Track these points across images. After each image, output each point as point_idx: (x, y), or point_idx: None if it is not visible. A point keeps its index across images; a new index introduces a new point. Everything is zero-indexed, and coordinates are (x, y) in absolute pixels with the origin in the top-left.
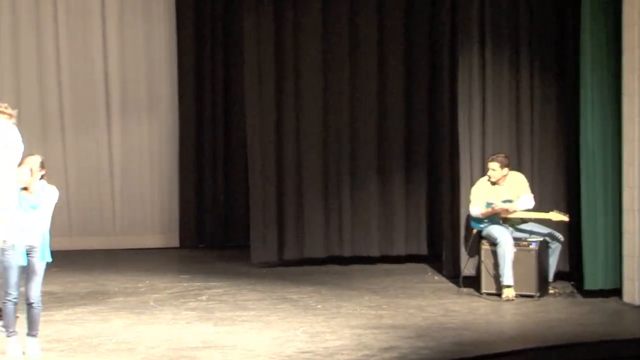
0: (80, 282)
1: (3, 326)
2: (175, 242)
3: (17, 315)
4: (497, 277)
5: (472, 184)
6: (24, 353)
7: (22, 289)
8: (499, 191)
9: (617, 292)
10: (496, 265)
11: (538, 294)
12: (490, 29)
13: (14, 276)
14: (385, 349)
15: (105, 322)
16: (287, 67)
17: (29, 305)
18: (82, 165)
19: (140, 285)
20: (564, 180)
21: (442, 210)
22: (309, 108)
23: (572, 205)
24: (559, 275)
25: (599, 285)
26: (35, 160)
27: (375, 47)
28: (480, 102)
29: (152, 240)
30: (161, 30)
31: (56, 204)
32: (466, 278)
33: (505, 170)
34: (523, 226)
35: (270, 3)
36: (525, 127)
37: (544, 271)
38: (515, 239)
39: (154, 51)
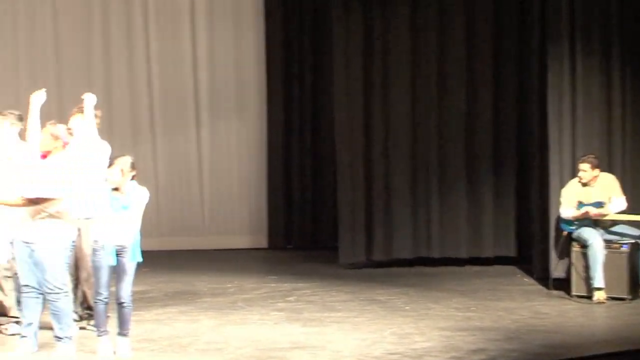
0: (170, 282)
1: (94, 326)
2: (263, 242)
3: (108, 314)
4: (587, 280)
5: (562, 185)
6: (114, 352)
7: (113, 289)
8: (590, 192)
9: None
10: (587, 267)
11: (630, 297)
12: (581, 33)
13: (104, 276)
14: (474, 351)
15: (194, 322)
16: (375, 71)
17: (120, 305)
18: (172, 166)
19: (228, 285)
20: None
21: (531, 211)
22: (397, 110)
23: None
24: None
25: None
26: (125, 160)
27: (463, 51)
28: (570, 104)
29: (241, 241)
30: (250, 33)
31: (146, 204)
32: (556, 280)
33: (596, 171)
34: (614, 228)
35: (359, 9)
36: (616, 128)
37: (635, 273)
38: (606, 241)
39: (242, 54)
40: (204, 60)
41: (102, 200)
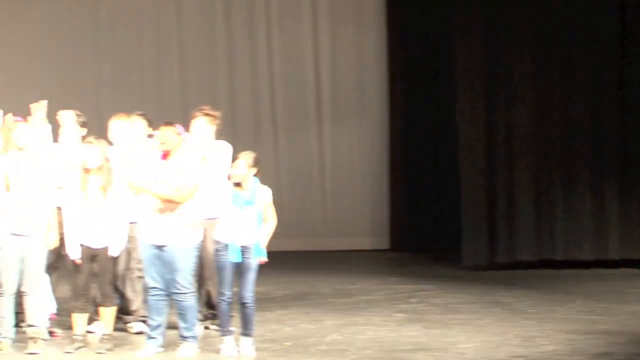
0: (293, 283)
1: (218, 325)
2: (385, 244)
3: (232, 314)
4: None
5: None
6: (238, 352)
7: (236, 289)
8: None
9: None
10: None
11: None
12: None
13: (227, 276)
14: (599, 355)
15: (317, 323)
16: (498, 74)
17: (243, 305)
18: (293, 167)
19: (351, 287)
20: None
21: None
22: (520, 114)
23: None
24: None
25: None
26: (250, 155)
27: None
28: None
29: (362, 243)
30: (371, 34)
31: (269, 205)
32: None
33: None
34: None
35: (481, 11)
36: None
37: None
38: None
39: (364, 56)
40: (326, 62)
41: (224, 199)
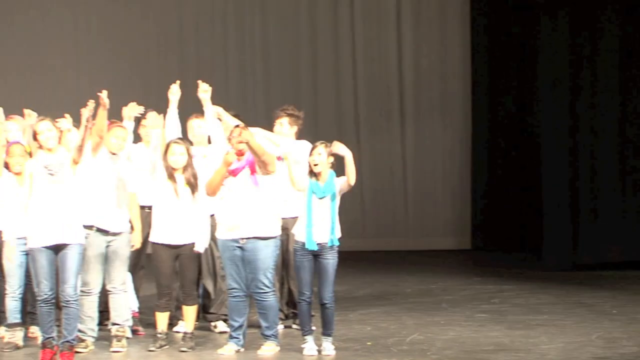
0: (375, 283)
1: (299, 325)
2: (467, 244)
3: (313, 314)
4: None
5: None
6: (319, 351)
7: (316, 288)
8: None
9: None
10: None
11: None
12: None
13: (306, 276)
14: None
15: (398, 322)
16: (583, 75)
17: (323, 305)
18: (376, 167)
19: (432, 286)
20: None
21: None
22: (604, 113)
23: None
24: None
25: None
26: (325, 146)
27: None
28: None
29: (444, 242)
30: (455, 34)
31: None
32: None
33: None
34: None
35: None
36: None
37: None
38: None
39: (447, 55)
40: (409, 61)
41: (303, 198)
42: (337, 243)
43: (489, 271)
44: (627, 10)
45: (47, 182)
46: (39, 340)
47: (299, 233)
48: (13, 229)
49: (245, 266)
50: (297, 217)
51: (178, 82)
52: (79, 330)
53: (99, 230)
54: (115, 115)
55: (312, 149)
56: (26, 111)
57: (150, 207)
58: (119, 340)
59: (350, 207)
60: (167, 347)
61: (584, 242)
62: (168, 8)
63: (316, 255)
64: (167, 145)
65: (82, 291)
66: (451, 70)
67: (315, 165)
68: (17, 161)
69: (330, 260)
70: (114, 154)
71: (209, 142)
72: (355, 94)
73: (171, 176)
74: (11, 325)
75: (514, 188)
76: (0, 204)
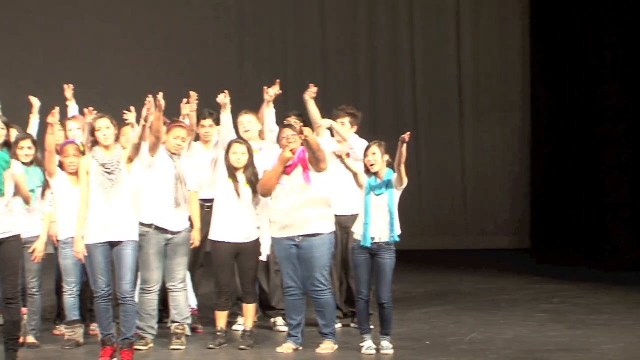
0: (433, 282)
1: (357, 323)
2: (526, 243)
3: (371, 312)
4: None
5: None
6: (377, 350)
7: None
8: None
9: None
10: None
11: None
12: None
13: (364, 274)
14: None
15: (457, 322)
16: None
17: (381, 305)
18: (435, 165)
19: (491, 286)
20: None
21: None
22: None
23: None
24: None
25: None
26: (383, 144)
27: None
28: None
29: (503, 241)
30: (515, 30)
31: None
32: None
33: None
34: None
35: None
36: None
37: None
38: None
39: (506, 53)
40: (468, 57)
41: (360, 197)
42: (397, 239)
43: (548, 270)
44: None
45: (104, 179)
46: (99, 337)
47: (357, 232)
48: (69, 228)
49: (301, 264)
50: (357, 215)
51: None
52: (139, 328)
53: (158, 228)
54: (174, 113)
55: (367, 149)
56: (87, 110)
57: (209, 206)
58: (178, 338)
59: (408, 205)
60: (226, 345)
61: None
62: (227, 6)
63: (374, 255)
64: (229, 145)
65: (142, 289)
66: (510, 68)
67: (371, 165)
68: (72, 161)
69: (388, 260)
70: (174, 153)
71: (260, 137)
72: (414, 91)
73: (232, 175)
74: (71, 323)
75: (574, 187)
76: (56, 204)
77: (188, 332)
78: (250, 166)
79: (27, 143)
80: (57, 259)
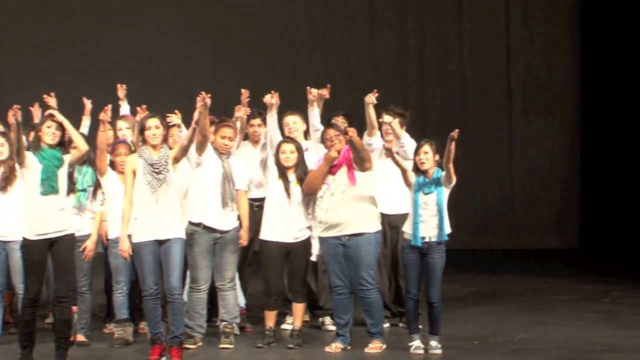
0: (481, 282)
1: (406, 323)
2: (575, 243)
3: (420, 312)
4: None
5: None
6: (426, 350)
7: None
8: None
9: None
10: None
11: None
12: None
13: (413, 274)
14: None
15: (506, 322)
16: None
17: (430, 305)
18: (483, 165)
19: (540, 286)
20: None
21: None
22: None
23: None
24: None
25: None
26: (433, 143)
27: None
28: None
29: (552, 241)
30: (563, 31)
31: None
32: None
33: None
34: None
35: None
36: None
37: None
38: None
39: (555, 52)
40: (517, 56)
41: (409, 196)
42: (445, 239)
43: (598, 271)
44: None
45: (152, 179)
46: (148, 336)
47: (407, 230)
48: (119, 226)
49: (347, 263)
50: (406, 214)
51: (276, 93)
52: (188, 327)
53: (206, 227)
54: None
55: (418, 147)
56: (140, 108)
57: (258, 205)
58: (227, 337)
59: (456, 204)
60: (274, 344)
61: None
62: (278, 7)
63: (424, 254)
64: (278, 144)
65: (191, 288)
66: (560, 67)
67: (422, 163)
68: (123, 160)
69: (438, 260)
70: (222, 153)
71: (305, 137)
72: (463, 90)
73: (283, 175)
74: (120, 321)
75: (624, 186)
76: (106, 202)
77: (236, 331)
78: (300, 165)
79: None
80: (106, 258)
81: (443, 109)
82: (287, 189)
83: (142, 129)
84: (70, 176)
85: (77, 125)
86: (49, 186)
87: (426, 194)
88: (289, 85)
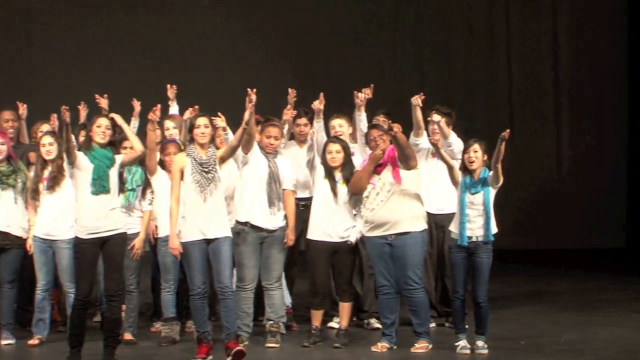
0: (527, 281)
1: (452, 323)
2: (621, 243)
3: (466, 312)
4: None
5: None
6: (472, 350)
7: (470, 287)
8: None
9: None
10: None
11: None
12: None
13: (460, 274)
14: None
15: (552, 321)
16: None
17: (477, 304)
18: (531, 165)
19: (587, 286)
20: None
21: None
22: None
23: None
24: None
25: None
26: (483, 144)
27: None
28: None
29: (599, 241)
30: (612, 33)
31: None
32: None
33: None
34: None
35: None
36: None
37: None
38: None
39: (603, 49)
40: (565, 57)
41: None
42: (492, 238)
43: None
44: None
45: (201, 178)
46: (195, 334)
47: (454, 230)
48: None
49: (393, 263)
50: (453, 214)
51: (322, 94)
52: None
53: (253, 226)
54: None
55: (468, 146)
56: (192, 109)
57: (304, 204)
58: (273, 336)
59: (502, 205)
60: (320, 343)
61: None
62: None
63: (471, 254)
64: (325, 144)
65: (237, 287)
66: (607, 68)
67: (471, 162)
68: (172, 159)
69: (485, 259)
70: (268, 152)
71: (353, 140)
72: (510, 90)
73: (329, 174)
74: (167, 320)
75: None
76: (156, 201)
77: (283, 330)
78: (347, 165)
79: (129, 143)
80: (153, 257)
81: (489, 110)
82: (333, 189)
83: (191, 128)
84: (120, 176)
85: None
86: (100, 186)
87: (473, 193)
88: (336, 88)
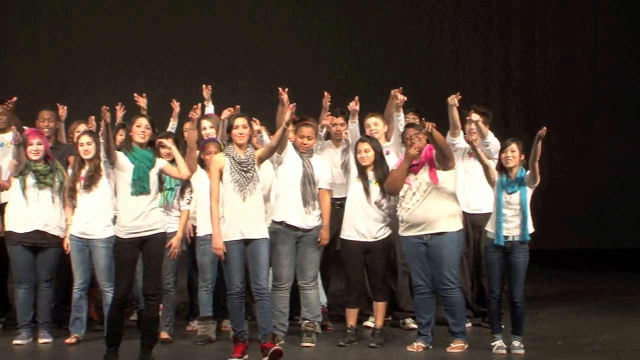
0: (563, 281)
1: (488, 323)
2: None
3: (502, 312)
4: None
5: None
6: (508, 350)
7: (506, 287)
8: None
9: None
10: None
11: None
12: None
13: (495, 273)
14: None
15: (589, 322)
16: None
17: (513, 304)
18: (567, 162)
19: (623, 286)
20: None
21: None
22: None
23: None
24: None
25: None
26: (520, 144)
27: None
28: None
29: (633, 241)
30: None
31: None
32: None
33: None
34: None
35: None
36: None
37: None
38: None
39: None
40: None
41: (494, 194)
42: (528, 238)
43: None
44: None
45: (240, 177)
46: (231, 334)
47: (490, 229)
48: (208, 224)
49: (429, 263)
50: (489, 214)
51: (357, 97)
52: None
53: (289, 226)
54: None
55: (505, 145)
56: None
57: (339, 204)
58: (309, 335)
59: (540, 204)
60: (356, 342)
61: None
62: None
63: (507, 253)
64: (356, 144)
65: (273, 286)
66: None
67: (508, 161)
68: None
69: (522, 259)
70: (302, 152)
71: (386, 139)
72: (546, 88)
73: (362, 174)
74: (203, 319)
75: None
76: (196, 200)
77: (318, 329)
78: (379, 164)
79: (169, 142)
80: (190, 256)
81: (526, 110)
82: (366, 189)
83: (229, 128)
84: (159, 176)
85: (164, 127)
86: (140, 187)
87: (509, 193)
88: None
